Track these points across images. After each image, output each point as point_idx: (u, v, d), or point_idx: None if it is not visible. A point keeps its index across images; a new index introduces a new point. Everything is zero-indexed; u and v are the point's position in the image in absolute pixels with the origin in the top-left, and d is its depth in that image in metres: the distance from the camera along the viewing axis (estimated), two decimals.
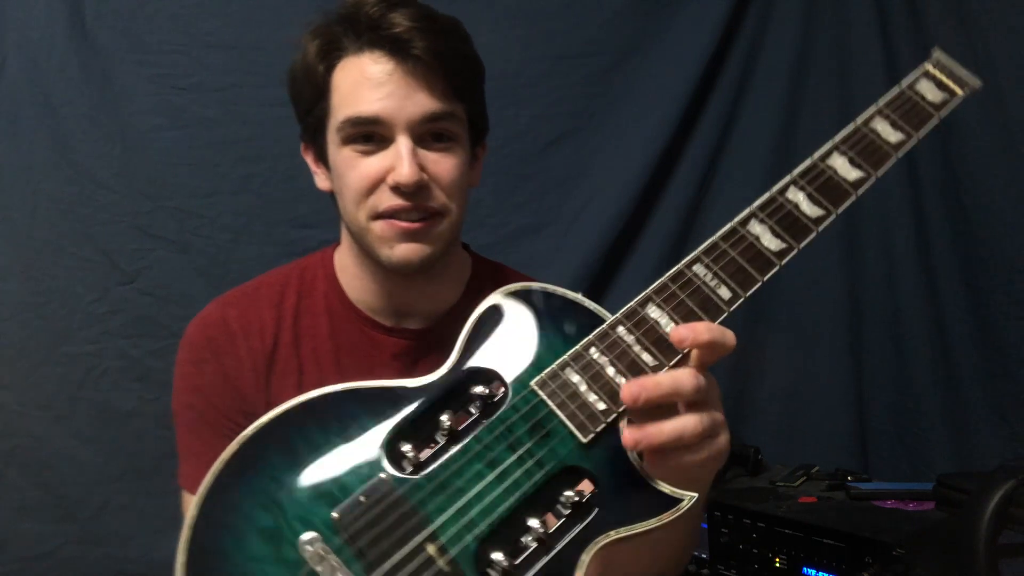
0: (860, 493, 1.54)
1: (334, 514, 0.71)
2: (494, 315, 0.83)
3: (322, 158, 1.07)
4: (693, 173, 2.00)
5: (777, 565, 1.44)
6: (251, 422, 1.04)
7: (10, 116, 1.75)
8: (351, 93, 0.99)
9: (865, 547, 1.33)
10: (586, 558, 0.71)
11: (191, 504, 0.72)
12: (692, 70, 1.95)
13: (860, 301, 1.99)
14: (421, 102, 0.98)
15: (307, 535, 0.70)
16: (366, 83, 0.98)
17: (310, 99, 1.04)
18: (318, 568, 0.69)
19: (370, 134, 0.99)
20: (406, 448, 0.75)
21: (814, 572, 1.39)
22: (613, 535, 0.71)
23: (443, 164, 1.01)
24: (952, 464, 1.78)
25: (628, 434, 0.73)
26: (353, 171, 1.00)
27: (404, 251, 1.00)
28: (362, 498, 0.72)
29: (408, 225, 1.00)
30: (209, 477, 0.72)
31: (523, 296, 0.84)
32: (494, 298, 0.84)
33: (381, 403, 0.78)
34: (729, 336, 0.77)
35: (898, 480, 1.77)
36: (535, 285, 0.85)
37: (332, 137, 1.03)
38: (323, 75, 1.02)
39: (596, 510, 0.73)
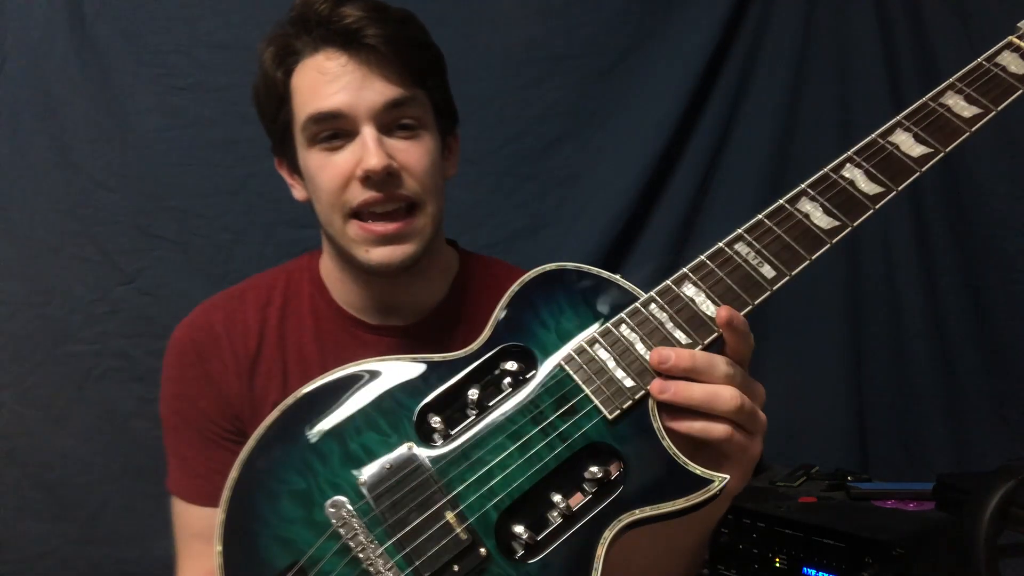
0: (860, 493, 1.54)
1: (361, 479, 0.74)
2: (527, 293, 0.84)
3: (295, 168, 1.06)
4: (693, 173, 2.00)
5: (777, 565, 1.44)
6: (236, 426, 1.06)
7: (10, 116, 1.75)
8: (310, 92, 0.99)
9: (865, 547, 1.33)
10: (609, 535, 0.71)
11: (234, 465, 0.75)
12: (692, 70, 1.95)
13: (860, 301, 2.00)
14: (379, 89, 0.97)
15: (334, 498, 0.73)
16: (322, 80, 0.98)
17: (274, 108, 1.03)
18: (342, 529, 0.72)
19: (335, 131, 0.99)
20: (435, 421, 0.77)
21: (814, 572, 1.39)
22: (638, 513, 0.71)
23: (412, 152, 1.00)
24: (952, 464, 1.78)
25: (657, 382, 0.74)
26: (323, 171, 1.00)
27: (382, 254, 0.99)
28: (387, 465, 0.75)
29: (383, 229, 0.98)
30: (251, 442, 0.76)
31: (557, 276, 0.84)
32: (528, 277, 0.85)
33: (414, 376, 0.80)
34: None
35: (898, 480, 1.77)
36: (569, 265, 0.84)
37: (299, 141, 1.02)
38: (282, 81, 1.01)
39: (621, 487, 0.73)
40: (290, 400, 0.78)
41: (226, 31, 1.80)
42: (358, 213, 0.99)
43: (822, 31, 1.99)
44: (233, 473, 0.74)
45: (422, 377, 0.79)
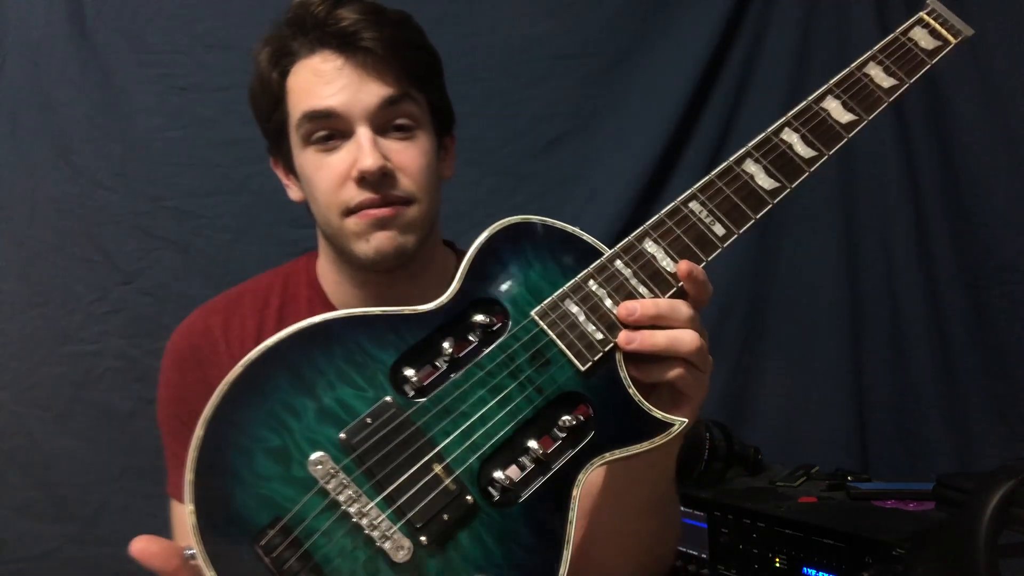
0: (860, 493, 1.54)
1: (341, 435, 0.74)
2: (495, 246, 0.85)
3: (291, 168, 1.07)
4: (693, 173, 1.99)
5: (777, 565, 1.44)
6: None
7: (10, 116, 1.75)
8: (305, 92, 0.99)
9: (865, 547, 1.33)
10: (583, 477, 0.76)
11: (198, 425, 0.72)
12: (692, 70, 1.95)
13: (860, 301, 1.99)
14: (375, 90, 0.98)
15: (316, 455, 0.72)
16: (318, 81, 0.98)
17: (269, 108, 1.04)
18: (328, 486, 0.72)
19: (330, 132, 0.99)
20: (409, 373, 0.77)
21: (814, 572, 1.39)
22: (608, 456, 0.77)
23: (407, 152, 1.00)
24: (952, 464, 1.78)
25: (624, 333, 0.79)
26: (319, 171, 1.00)
27: (379, 240, 0.99)
28: (368, 420, 0.75)
29: (378, 212, 0.98)
30: (214, 399, 0.73)
31: (522, 229, 0.86)
32: (494, 229, 0.86)
33: (384, 329, 0.79)
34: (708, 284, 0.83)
35: (898, 480, 1.77)
36: (534, 218, 0.87)
37: (294, 140, 1.02)
38: (278, 82, 1.02)
39: (592, 433, 0.78)
40: (254, 354, 0.75)
41: (226, 31, 1.80)
42: (355, 211, 0.99)
43: (822, 31, 1.99)
44: (198, 432, 0.72)
45: (394, 330, 0.79)
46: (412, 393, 0.77)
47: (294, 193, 1.10)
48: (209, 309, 1.12)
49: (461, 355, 0.79)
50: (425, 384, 0.78)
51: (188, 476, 0.70)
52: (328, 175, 0.99)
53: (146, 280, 1.80)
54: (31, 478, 1.75)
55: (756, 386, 2.04)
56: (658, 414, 0.78)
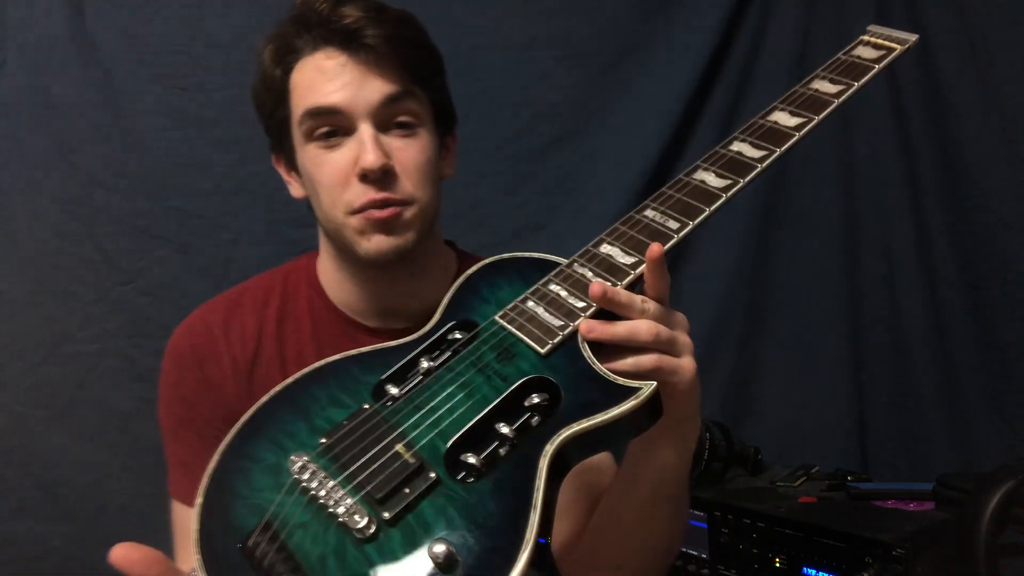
0: (860, 493, 1.54)
1: (322, 439, 0.80)
2: (471, 283, 0.95)
3: (292, 165, 1.07)
4: None
5: (777, 565, 1.44)
6: None
7: (10, 116, 1.75)
8: (308, 89, 1.00)
9: (865, 547, 1.33)
10: (550, 448, 0.76)
11: (215, 453, 0.79)
12: (692, 70, 1.95)
13: (860, 301, 2.00)
14: (377, 87, 0.98)
15: (293, 455, 0.79)
16: (321, 78, 0.99)
17: (272, 105, 1.04)
18: (303, 476, 0.76)
19: (332, 129, 0.99)
20: (390, 388, 0.84)
21: (814, 572, 1.39)
22: (575, 427, 0.77)
23: (409, 151, 1.01)
24: (952, 464, 1.78)
25: (584, 323, 0.82)
26: (321, 168, 1.00)
27: (378, 242, 1.00)
28: (345, 422, 0.81)
29: (380, 213, 0.99)
30: (229, 437, 0.81)
31: (497, 264, 0.96)
32: (472, 270, 0.96)
33: (372, 360, 0.88)
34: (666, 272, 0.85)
35: (898, 480, 1.77)
36: (507, 255, 0.96)
37: (297, 138, 1.03)
38: (281, 79, 1.02)
39: (558, 408, 0.80)
40: (265, 398, 0.85)
41: (226, 31, 1.80)
42: (358, 211, 1.00)
43: (822, 31, 1.99)
44: (212, 464, 0.79)
45: (381, 358, 0.87)
46: (390, 403, 0.82)
47: (295, 190, 1.10)
48: (209, 309, 1.12)
49: (435, 365, 0.85)
50: (403, 395, 0.83)
51: (198, 500, 0.76)
52: (330, 172, 1.00)
53: (146, 280, 1.80)
54: (31, 478, 1.75)
55: (756, 386, 2.04)
56: (621, 381, 0.79)
